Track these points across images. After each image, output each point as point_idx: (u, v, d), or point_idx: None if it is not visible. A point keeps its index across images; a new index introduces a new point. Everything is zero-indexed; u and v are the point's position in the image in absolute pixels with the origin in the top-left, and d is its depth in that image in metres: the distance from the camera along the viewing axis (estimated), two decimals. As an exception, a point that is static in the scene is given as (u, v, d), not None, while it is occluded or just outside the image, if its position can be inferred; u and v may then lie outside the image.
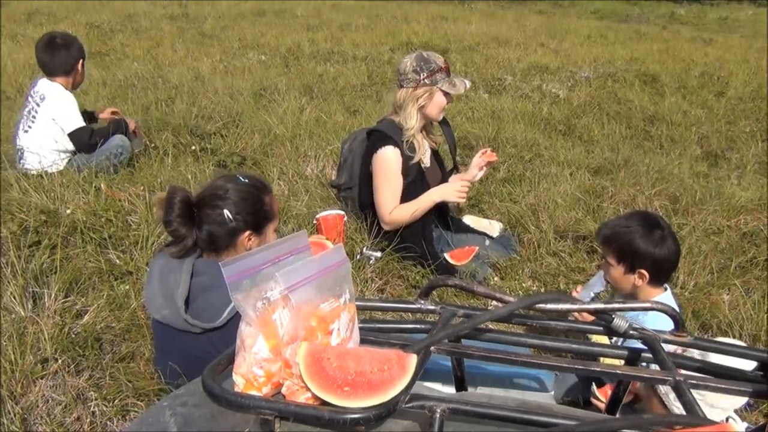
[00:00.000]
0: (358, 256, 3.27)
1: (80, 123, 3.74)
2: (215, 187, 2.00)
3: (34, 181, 3.46)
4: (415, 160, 3.24)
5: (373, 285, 3.15)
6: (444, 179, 3.50)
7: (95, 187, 3.39)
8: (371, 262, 3.26)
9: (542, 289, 3.26)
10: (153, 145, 4.28)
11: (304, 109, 5.65)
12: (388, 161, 3.20)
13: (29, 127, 3.72)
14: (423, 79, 3.14)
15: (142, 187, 3.46)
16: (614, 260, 2.21)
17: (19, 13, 11.12)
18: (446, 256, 3.28)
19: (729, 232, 3.67)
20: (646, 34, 14.34)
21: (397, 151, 3.20)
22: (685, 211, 3.92)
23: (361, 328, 1.07)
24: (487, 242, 3.55)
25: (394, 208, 3.21)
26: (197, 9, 13.63)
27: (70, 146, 3.77)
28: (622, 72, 8.21)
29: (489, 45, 10.19)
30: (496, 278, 3.33)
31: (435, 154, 3.47)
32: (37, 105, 3.72)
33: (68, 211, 3.11)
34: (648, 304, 1.15)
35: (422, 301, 1.19)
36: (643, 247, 2.15)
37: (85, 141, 3.74)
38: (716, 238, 3.60)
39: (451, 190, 3.23)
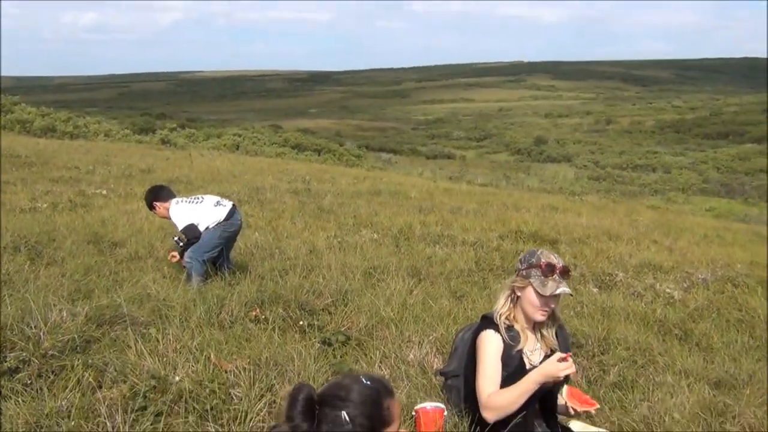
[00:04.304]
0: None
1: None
2: (338, 387, 2.04)
3: (150, 345, 3.62)
4: (517, 349, 3.15)
5: (468, 489, 2.96)
6: (557, 385, 3.36)
7: (205, 356, 3.49)
8: (469, 463, 3.09)
9: None
10: (264, 317, 4.42)
11: (412, 291, 5.73)
12: (486, 343, 3.15)
13: None
14: (522, 270, 3.17)
15: (248, 360, 3.53)
16: None
17: (161, 180, 12.33)
18: (566, 390, 3.17)
19: None
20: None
21: (497, 335, 3.15)
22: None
23: None
24: (599, 458, 3.30)
25: (492, 393, 3.08)
26: (319, 186, 14.62)
27: None
28: (742, 276, 7.87)
29: (599, 238, 10.16)
30: (603, 496, 3.05)
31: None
32: None
33: (177, 378, 3.20)
34: None
35: None
36: None
37: None
38: None
39: (553, 364, 3.00)
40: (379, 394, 2.03)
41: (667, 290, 7.15)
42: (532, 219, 11.72)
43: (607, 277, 7.53)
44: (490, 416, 3.08)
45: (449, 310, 5.18)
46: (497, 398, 3.06)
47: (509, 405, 3.04)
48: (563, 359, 2.97)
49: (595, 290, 7.07)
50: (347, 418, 1.94)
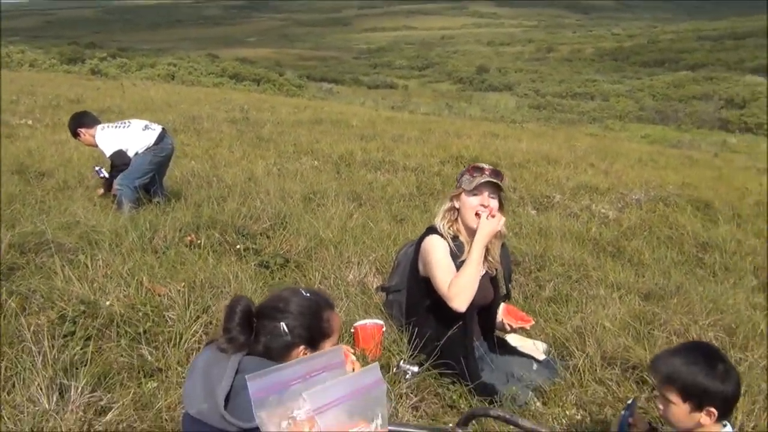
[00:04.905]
0: (394, 370, 3.15)
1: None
2: (277, 299, 2.01)
3: (79, 271, 3.49)
4: (461, 259, 3.16)
5: (407, 401, 3.01)
6: (495, 302, 3.40)
7: (137, 280, 3.40)
8: (407, 377, 3.13)
9: (587, 419, 3.06)
10: (199, 242, 4.32)
11: (352, 215, 5.69)
12: (433, 246, 3.17)
13: None
14: (456, 183, 3.24)
15: (182, 284, 3.45)
16: (678, 399, 2.05)
17: (92, 109, 11.77)
18: (503, 308, 3.34)
19: (793, 372, 3.43)
20: (698, 161, 14.33)
21: (443, 240, 3.18)
22: (743, 345, 3.71)
23: None
24: (535, 366, 3.38)
25: (452, 281, 3.08)
26: (258, 115, 14.27)
27: None
28: (673, 197, 8.13)
29: (538, 163, 10.28)
30: (538, 403, 3.14)
31: (492, 279, 3.37)
32: None
33: (107, 303, 3.11)
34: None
35: (460, 430, 1.10)
36: (712, 384, 2.00)
37: None
38: (778, 377, 3.36)
39: (488, 223, 3.08)
40: (318, 306, 2.01)
41: (602, 210, 7.33)
42: (473, 145, 11.76)
43: (545, 199, 7.65)
44: (458, 303, 3.05)
45: (389, 233, 5.18)
46: (457, 281, 3.05)
47: (470, 281, 3.05)
48: (491, 215, 3.10)
49: (534, 212, 7.19)
50: (285, 329, 1.91)
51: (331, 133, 12.52)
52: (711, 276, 5.50)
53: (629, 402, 2.41)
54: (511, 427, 2.52)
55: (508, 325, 3.46)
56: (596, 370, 3.36)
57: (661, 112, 41.47)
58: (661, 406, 2.15)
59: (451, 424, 1.35)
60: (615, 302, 4.21)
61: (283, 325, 1.92)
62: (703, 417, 2.04)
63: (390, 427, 1.03)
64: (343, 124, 14.19)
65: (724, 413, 2.06)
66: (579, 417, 3.08)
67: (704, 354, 2.09)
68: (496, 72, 77.94)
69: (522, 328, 3.49)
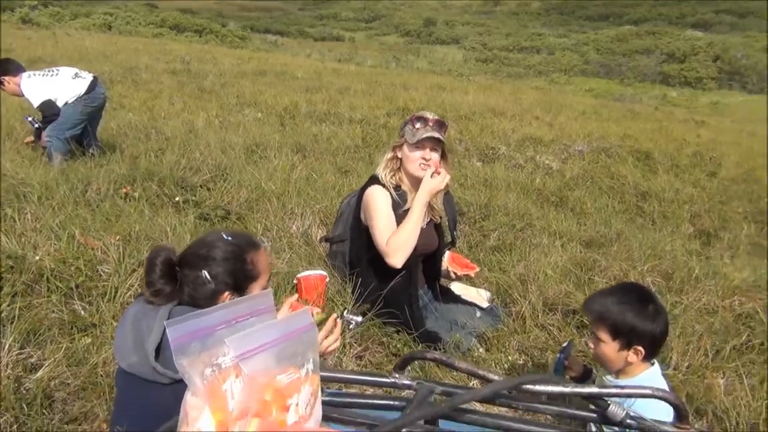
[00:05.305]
0: (338, 320, 3.12)
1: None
2: (198, 245, 1.93)
3: (6, 225, 3.32)
4: (404, 208, 3.13)
5: (351, 351, 2.99)
6: (440, 249, 3.39)
7: (69, 234, 3.25)
8: (351, 327, 3.10)
9: (529, 363, 3.11)
10: (136, 194, 4.17)
11: (295, 167, 5.58)
12: (374, 197, 3.12)
13: None
14: (400, 132, 3.18)
15: (117, 237, 3.32)
16: (608, 337, 2.08)
17: (22, 59, 11.19)
18: (448, 256, 3.33)
19: (723, 313, 3.55)
20: (640, 114, 14.59)
21: (385, 191, 3.13)
22: (678, 288, 3.81)
23: (325, 403, 0.94)
24: (478, 314, 3.41)
25: (391, 236, 3.04)
26: (200, 66, 13.81)
27: None
28: (615, 148, 8.26)
29: (485, 115, 10.29)
30: (481, 350, 3.17)
31: (436, 227, 3.34)
32: None
33: (37, 258, 2.97)
34: (648, 390, 1.02)
35: (397, 375, 1.06)
36: (641, 323, 2.03)
37: None
38: (710, 318, 3.47)
39: (431, 181, 3.00)
40: (241, 249, 1.93)
41: (546, 162, 7.40)
42: (419, 97, 11.69)
43: (491, 151, 7.67)
44: (395, 260, 3.03)
45: (333, 184, 5.11)
46: (396, 237, 3.02)
47: (409, 238, 3.01)
48: (436, 173, 3.00)
49: (479, 164, 7.20)
50: (208, 277, 1.85)
51: (276, 84, 12.23)
52: (650, 224, 5.64)
53: (565, 345, 2.44)
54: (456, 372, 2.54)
55: (453, 272, 3.46)
56: (538, 316, 3.41)
57: (605, 66, 42.02)
58: (592, 345, 2.18)
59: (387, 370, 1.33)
60: (557, 250, 4.27)
61: (204, 273, 1.85)
62: (630, 355, 2.08)
63: (324, 373, 0.98)
64: (288, 76, 13.89)
65: (652, 352, 2.11)
66: (521, 362, 3.12)
67: (636, 294, 2.12)
68: (444, 25, 77.34)
69: (467, 276, 3.50)
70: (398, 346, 3.08)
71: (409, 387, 1.04)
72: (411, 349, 3.09)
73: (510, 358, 3.12)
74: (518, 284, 3.69)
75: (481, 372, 0.97)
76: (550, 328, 3.33)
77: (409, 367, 1.13)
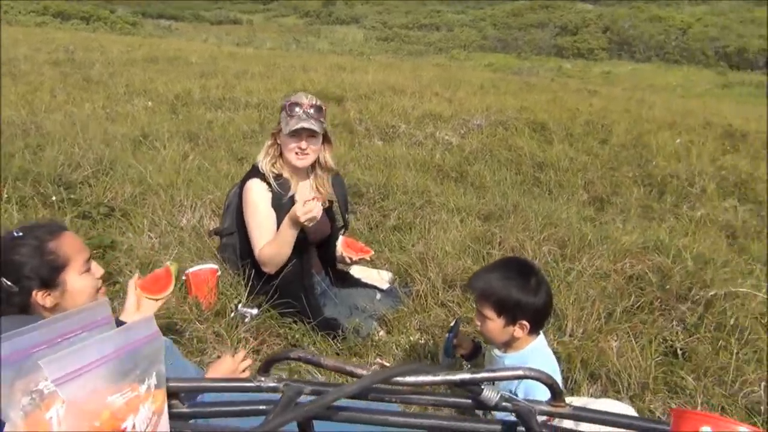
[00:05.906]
0: (231, 315, 2.99)
1: None
2: None
3: None
4: (288, 196, 3.03)
5: (247, 345, 2.87)
6: (333, 235, 3.32)
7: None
8: (246, 320, 2.99)
9: (430, 342, 3.09)
10: (6, 196, 3.86)
11: (187, 156, 5.34)
12: (251, 193, 3.02)
13: None
14: (279, 121, 3.07)
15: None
16: (493, 314, 2.07)
17: None
18: (342, 241, 3.31)
19: (615, 276, 3.65)
20: (536, 86, 14.93)
21: (262, 183, 3.02)
22: (573, 255, 3.89)
23: (181, 416, 0.85)
24: (378, 296, 3.36)
25: (263, 246, 2.96)
26: (85, 55, 13.07)
27: None
28: (512, 120, 8.40)
29: (384, 94, 10.23)
30: (381, 332, 3.12)
31: (327, 211, 3.24)
32: None
33: None
34: (520, 372, 0.97)
35: (262, 378, 0.97)
36: (524, 298, 2.03)
37: None
38: (603, 282, 3.56)
39: (297, 207, 2.79)
40: (38, 241, 1.78)
41: (446, 137, 7.43)
42: (318, 78, 11.52)
43: (391, 129, 7.63)
44: (268, 269, 3.00)
45: (227, 172, 4.92)
46: (265, 251, 2.96)
47: (278, 254, 2.94)
48: (309, 200, 2.84)
49: (380, 143, 7.15)
50: (9, 283, 1.72)
51: (168, 71, 11.72)
52: (546, 193, 5.76)
53: (452, 324, 2.43)
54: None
55: (348, 258, 3.40)
56: (438, 293, 3.39)
57: (503, 41, 42.88)
58: (478, 323, 2.17)
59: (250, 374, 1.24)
60: (456, 226, 4.28)
61: (4, 281, 1.71)
62: (516, 330, 2.08)
63: (177, 384, 0.87)
64: (182, 62, 13.36)
65: (537, 325, 2.12)
66: (422, 341, 3.09)
67: (517, 269, 2.12)
68: (343, 5, 76.82)
69: (362, 260, 3.44)
70: (297, 336, 2.99)
71: (275, 390, 0.96)
72: (311, 338, 3.01)
73: (411, 338, 3.09)
74: (418, 263, 3.66)
75: (348, 368, 0.90)
76: (450, 304, 3.32)
77: (285, 368, 1.04)
